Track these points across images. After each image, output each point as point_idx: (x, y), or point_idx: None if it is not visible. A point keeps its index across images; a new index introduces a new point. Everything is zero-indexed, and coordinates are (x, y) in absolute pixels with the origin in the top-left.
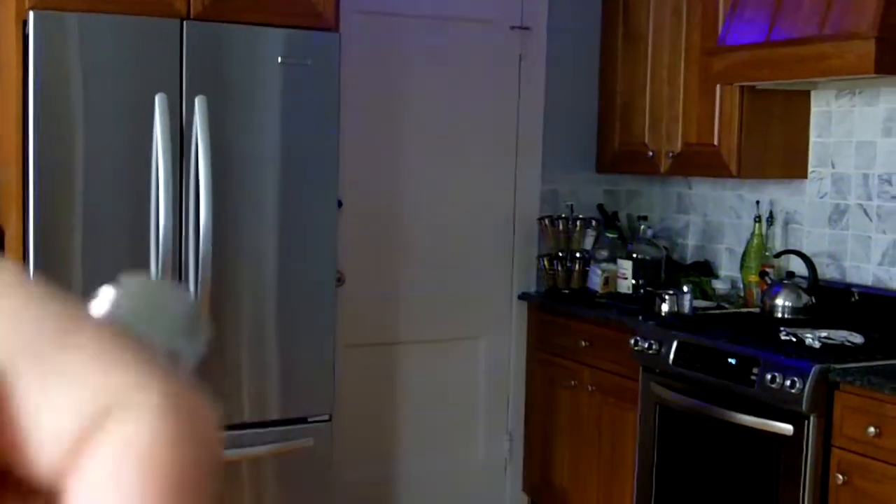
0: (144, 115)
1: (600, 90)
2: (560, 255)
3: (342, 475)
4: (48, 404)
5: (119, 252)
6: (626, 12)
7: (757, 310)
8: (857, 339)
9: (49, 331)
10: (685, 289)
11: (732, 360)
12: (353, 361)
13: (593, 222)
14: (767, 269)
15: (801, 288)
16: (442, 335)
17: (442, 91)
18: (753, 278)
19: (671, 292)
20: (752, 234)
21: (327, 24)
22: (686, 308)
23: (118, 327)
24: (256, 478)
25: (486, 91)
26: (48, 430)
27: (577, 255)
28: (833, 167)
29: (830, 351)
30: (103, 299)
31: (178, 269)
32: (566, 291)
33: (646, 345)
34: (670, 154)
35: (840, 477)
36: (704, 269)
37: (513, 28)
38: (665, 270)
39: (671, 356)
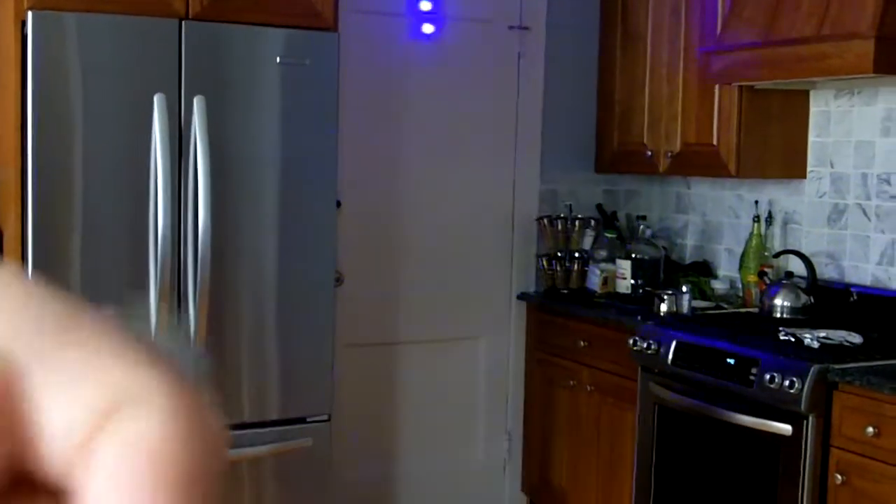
0: (143, 115)
1: (599, 90)
2: (559, 255)
3: (341, 475)
4: (58, 400)
5: (118, 252)
6: (624, 12)
7: (756, 310)
8: (856, 338)
9: (52, 328)
10: (684, 289)
11: (731, 361)
12: (352, 361)
13: (592, 222)
14: (766, 269)
15: (799, 288)
16: (441, 335)
17: (441, 91)
18: (752, 278)
19: (670, 292)
20: (751, 233)
21: (326, 23)
22: (685, 308)
23: (120, 325)
24: (256, 478)
25: (484, 91)
26: (58, 425)
27: (576, 254)
28: (832, 167)
29: (829, 351)
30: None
31: (176, 269)
32: (565, 291)
33: (644, 345)
34: (669, 154)
35: (839, 477)
36: (703, 269)
37: (511, 28)
38: (664, 270)
39: (670, 356)
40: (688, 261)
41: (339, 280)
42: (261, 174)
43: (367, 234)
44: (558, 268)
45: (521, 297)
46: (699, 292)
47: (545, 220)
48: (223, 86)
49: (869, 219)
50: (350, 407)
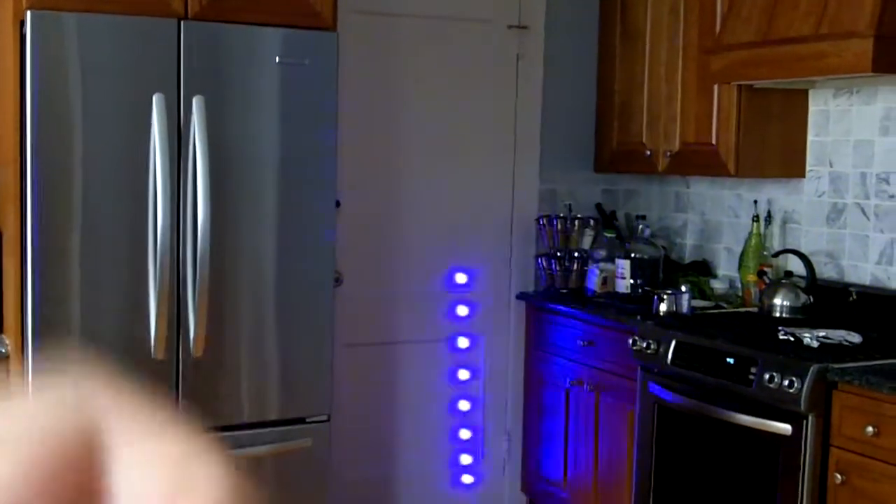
0: (142, 115)
1: (598, 89)
2: (558, 254)
3: (341, 475)
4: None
5: (117, 252)
6: (623, 11)
7: (755, 309)
8: (856, 338)
9: None
10: (683, 288)
11: (731, 360)
12: (352, 361)
13: (591, 222)
14: (765, 269)
15: (799, 287)
16: (441, 335)
17: (440, 91)
18: (751, 278)
19: (669, 292)
20: (750, 233)
21: (325, 23)
22: (684, 308)
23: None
24: (255, 478)
25: (483, 90)
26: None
27: (576, 254)
28: (831, 166)
29: (828, 350)
30: None
31: (176, 269)
32: (564, 291)
33: (644, 344)
34: (668, 153)
35: (838, 476)
36: (702, 269)
37: (510, 27)
38: (663, 270)
39: (669, 356)
40: (687, 260)
41: (338, 280)
42: (260, 174)
43: (367, 234)
44: (558, 267)
45: (521, 296)
46: (698, 292)
47: (544, 220)
48: (222, 86)
49: (868, 218)
50: (350, 407)
